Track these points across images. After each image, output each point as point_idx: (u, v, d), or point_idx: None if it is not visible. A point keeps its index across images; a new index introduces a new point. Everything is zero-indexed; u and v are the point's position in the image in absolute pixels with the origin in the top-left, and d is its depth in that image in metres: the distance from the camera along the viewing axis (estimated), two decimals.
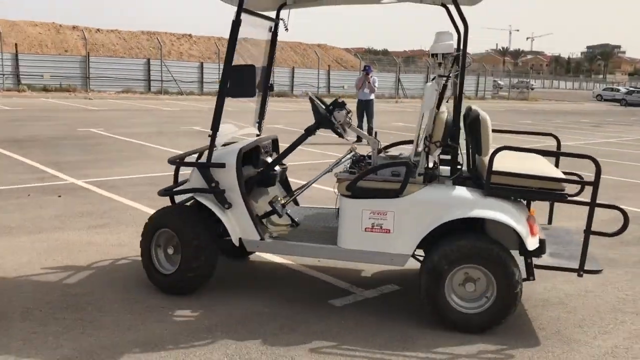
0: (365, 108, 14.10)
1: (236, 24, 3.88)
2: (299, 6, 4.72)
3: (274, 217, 4.45)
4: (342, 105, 4.17)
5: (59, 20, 35.19)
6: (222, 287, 4.39)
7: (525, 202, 4.02)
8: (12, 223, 5.92)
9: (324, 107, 4.20)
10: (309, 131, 4.22)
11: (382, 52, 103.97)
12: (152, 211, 4.99)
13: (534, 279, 4.00)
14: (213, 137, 4.04)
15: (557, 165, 4.28)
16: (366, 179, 3.88)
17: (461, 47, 3.80)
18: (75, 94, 26.77)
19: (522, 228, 3.61)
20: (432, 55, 3.86)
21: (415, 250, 3.85)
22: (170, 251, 4.22)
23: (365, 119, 14.08)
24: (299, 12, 4.94)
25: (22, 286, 4.31)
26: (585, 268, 3.67)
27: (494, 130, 4.00)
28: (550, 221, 4.59)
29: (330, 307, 4.14)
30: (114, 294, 4.22)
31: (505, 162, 3.72)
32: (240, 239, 4.10)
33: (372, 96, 14.18)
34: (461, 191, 3.76)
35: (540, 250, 3.74)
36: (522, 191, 3.70)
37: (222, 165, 4.07)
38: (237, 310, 4.01)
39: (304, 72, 37.35)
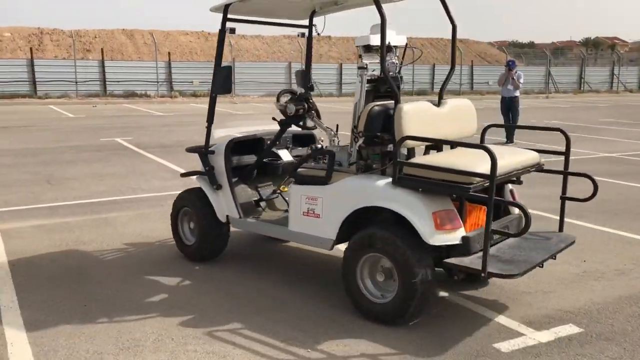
0: (509, 105, 13.02)
1: (221, 33, 4.55)
2: (327, 12, 5.11)
3: (278, 203, 5.01)
4: (297, 100, 4.54)
5: (207, 28, 36.74)
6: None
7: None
8: (153, 233, 5.84)
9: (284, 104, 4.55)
10: (283, 125, 4.70)
11: (527, 44, 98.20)
12: None
13: (459, 278, 3.83)
14: (208, 128, 4.79)
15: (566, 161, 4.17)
16: (304, 166, 4.26)
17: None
18: (221, 98, 27.89)
19: (419, 220, 3.55)
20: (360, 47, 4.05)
21: (337, 236, 3.97)
22: (192, 225, 5.03)
23: (510, 117, 12.98)
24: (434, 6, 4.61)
25: (157, 308, 4.08)
26: (504, 272, 3.45)
27: (496, 125, 4.56)
28: (560, 228, 4.28)
29: (497, 354, 3.42)
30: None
31: (439, 156, 3.94)
32: (227, 216, 4.74)
33: (517, 93, 13.02)
34: (376, 181, 3.80)
35: (463, 249, 3.57)
36: (426, 183, 3.60)
37: (212, 152, 4.78)
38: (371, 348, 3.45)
39: (446, 69, 35.97)
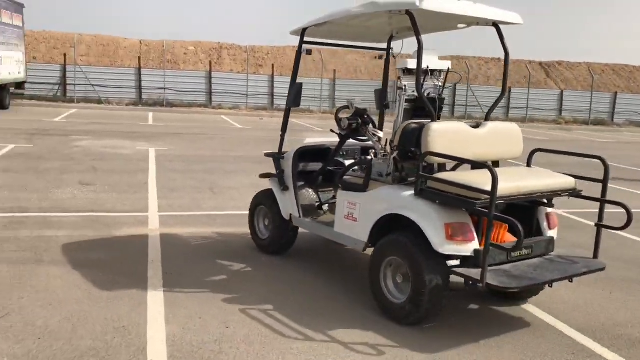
0: None
1: (298, 54, 5.19)
2: (404, 37, 5.38)
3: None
4: (353, 115, 4.88)
5: (373, 47, 36.73)
6: None
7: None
8: (306, 245, 5.65)
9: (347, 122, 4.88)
10: (342, 137, 5.08)
11: None
12: None
13: (474, 285, 3.78)
14: (282, 137, 5.46)
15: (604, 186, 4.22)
16: (349, 174, 4.76)
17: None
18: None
19: (431, 229, 3.85)
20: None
21: (369, 239, 4.35)
22: (266, 222, 5.65)
23: None
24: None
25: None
26: (501, 285, 3.68)
27: (541, 150, 4.61)
28: (595, 255, 4.37)
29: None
30: None
31: (460, 173, 4.20)
32: (290, 214, 5.25)
33: None
34: (402, 192, 4.15)
35: (476, 261, 3.80)
36: (442, 196, 3.87)
37: (282, 157, 5.36)
38: None
39: (629, 98, 32.83)
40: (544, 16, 73.50)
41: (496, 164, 4.40)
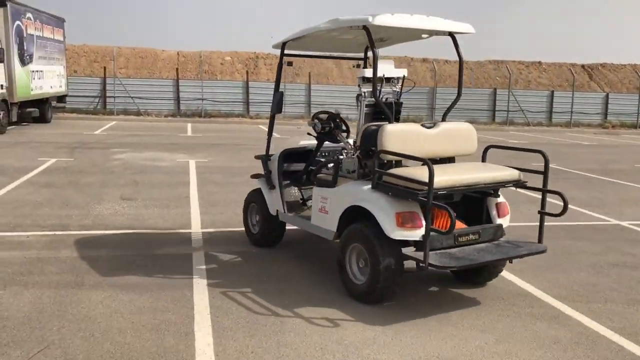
0: None
1: (280, 65, 5.63)
2: (379, 47, 5.48)
3: None
4: (327, 119, 5.35)
5: (410, 54, 36.63)
6: None
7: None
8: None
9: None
10: (319, 140, 5.51)
11: None
12: None
13: (420, 269, 4.30)
14: (268, 140, 6.05)
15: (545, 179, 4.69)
16: (323, 172, 5.23)
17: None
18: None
19: (383, 218, 4.34)
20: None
21: (337, 229, 4.83)
22: (257, 218, 6.13)
23: None
24: None
25: None
26: (441, 264, 4.18)
27: (494, 146, 5.14)
28: (540, 240, 4.80)
29: None
30: None
31: (410, 168, 4.58)
32: (277, 210, 5.71)
33: None
34: (362, 186, 4.66)
35: (423, 245, 4.21)
36: (393, 188, 4.39)
37: (268, 158, 5.86)
38: None
39: None
40: (585, 17, 71.73)
41: (452, 159, 5.01)
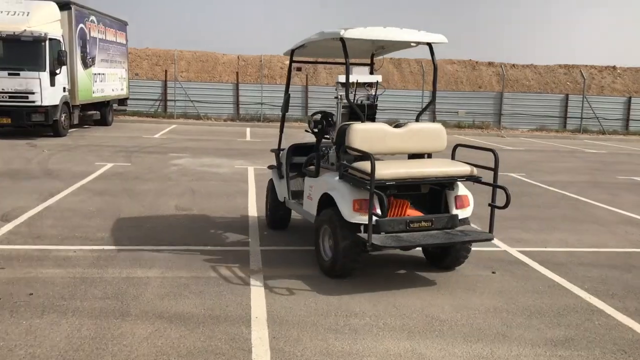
0: None
1: (289, 71, 6.44)
2: (382, 54, 6.60)
3: None
4: (321, 118, 6.00)
5: (475, 57, 35.32)
6: None
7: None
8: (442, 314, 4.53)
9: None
10: (316, 136, 6.04)
11: None
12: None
13: (367, 250, 4.95)
14: (280, 136, 7.00)
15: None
16: (315, 165, 5.78)
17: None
18: (487, 131, 26.05)
19: (342, 204, 4.93)
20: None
21: (317, 213, 5.46)
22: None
23: None
24: None
25: None
26: (383, 244, 4.74)
27: (462, 145, 5.60)
28: (490, 230, 5.21)
29: None
30: None
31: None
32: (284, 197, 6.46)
33: None
34: (334, 177, 5.24)
35: (377, 229, 4.84)
36: (352, 179, 4.97)
37: (279, 152, 6.73)
38: None
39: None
40: None
41: (422, 155, 5.56)
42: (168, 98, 25.54)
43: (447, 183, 5.20)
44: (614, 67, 36.68)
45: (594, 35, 65.61)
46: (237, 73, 27.50)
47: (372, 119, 5.75)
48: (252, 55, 32.12)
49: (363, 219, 4.79)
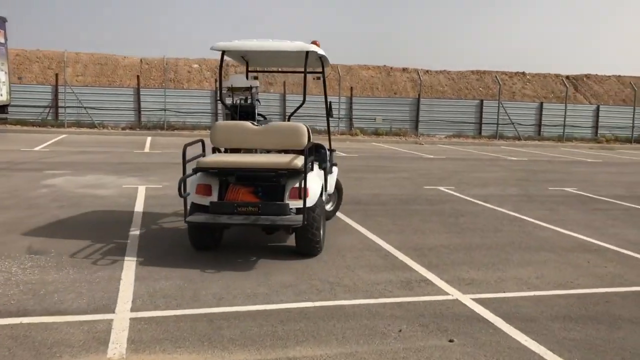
0: None
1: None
2: (315, 66, 7.45)
3: None
4: None
5: (389, 63, 34.76)
6: None
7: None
8: None
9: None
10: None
11: None
12: None
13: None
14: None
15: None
16: None
17: None
18: (405, 138, 25.23)
19: (190, 188, 5.78)
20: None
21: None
22: None
23: None
24: None
25: None
26: (194, 220, 5.61)
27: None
28: (304, 219, 5.61)
29: None
30: None
31: (222, 155, 6.31)
32: None
33: None
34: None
35: (209, 209, 5.68)
36: (199, 169, 5.85)
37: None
38: None
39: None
40: (566, 27, 71.05)
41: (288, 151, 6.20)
42: (59, 105, 22.87)
43: (287, 174, 5.67)
44: (524, 73, 37.25)
45: (503, 42, 67.61)
46: (137, 77, 25.17)
47: (249, 117, 6.58)
48: (156, 58, 29.82)
49: (202, 200, 5.70)
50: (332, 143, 7.52)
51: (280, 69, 8.00)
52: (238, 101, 6.80)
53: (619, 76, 38.41)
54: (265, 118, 7.28)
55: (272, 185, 5.79)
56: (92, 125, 22.36)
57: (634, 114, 28.58)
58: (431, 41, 63.74)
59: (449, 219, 8.30)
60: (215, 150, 6.46)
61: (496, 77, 31.12)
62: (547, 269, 5.94)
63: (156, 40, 58.08)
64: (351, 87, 28.22)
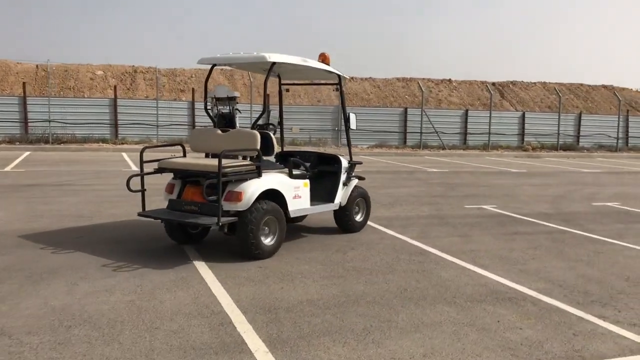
0: None
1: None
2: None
3: None
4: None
5: (351, 73, 33.27)
6: None
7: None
8: None
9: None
10: None
11: None
12: None
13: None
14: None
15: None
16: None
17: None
18: (325, 148, 23.56)
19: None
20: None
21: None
22: None
23: None
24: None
25: None
26: (144, 215, 6.37)
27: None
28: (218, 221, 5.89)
29: None
30: None
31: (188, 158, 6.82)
32: None
33: None
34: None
35: (168, 205, 6.44)
36: (165, 169, 6.49)
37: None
38: None
39: (591, 119, 29.95)
40: (491, 34, 71.86)
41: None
42: None
43: (203, 175, 6.05)
44: (450, 80, 36.48)
45: (429, 49, 67.63)
46: (24, 84, 22.43)
47: (229, 125, 7.05)
48: (54, 64, 27.06)
49: (168, 197, 6.42)
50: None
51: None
52: (218, 110, 7.20)
53: (545, 82, 38.31)
54: (275, 127, 7.41)
55: (214, 187, 5.92)
56: None
57: (559, 121, 28.02)
58: (358, 48, 62.87)
59: (333, 255, 6.53)
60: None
61: (419, 83, 29.99)
62: (439, 339, 4.21)
63: (55, 45, 54.22)
64: (266, 96, 26.34)
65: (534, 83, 37.88)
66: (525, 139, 27.92)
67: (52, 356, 3.73)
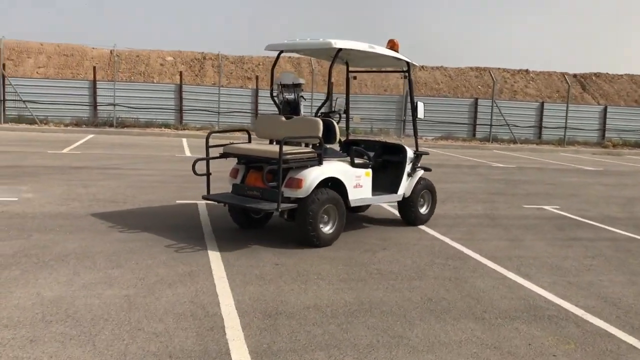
0: None
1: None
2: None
3: None
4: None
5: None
6: None
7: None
8: None
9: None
10: None
11: None
12: None
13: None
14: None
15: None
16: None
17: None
18: (386, 139, 22.85)
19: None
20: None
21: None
22: None
23: None
24: None
25: None
26: (210, 199, 6.48)
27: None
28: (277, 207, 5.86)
29: None
30: None
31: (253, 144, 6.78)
32: None
33: None
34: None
35: (233, 190, 6.51)
36: (236, 155, 6.60)
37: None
38: None
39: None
40: (575, 24, 68.06)
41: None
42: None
43: (289, 163, 5.96)
44: (527, 71, 34.65)
45: (506, 39, 64.81)
46: (94, 68, 23.00)
47: (294, 112, 6.94)
48: (126, 50, 27.72)
49: (233, 181, 6.50)
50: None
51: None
52: (284, 97, 7.07)
53: (632, 75, 35.74)
54: (339, 114, 7.41)
55: (275, 173, 5.88)
56: (32, 121, 20.21)
57: None
58: (429, 36, 61.07)
59: (361, 254, 5.99)
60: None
61: (490, 73, 28.56)
62: None
63: (129, 31, 55.46)
64: (331, 83, 25.84)
65: (620, 75, 35.39)
66: (607, 135, 26.05)
67: (18, 355, 3.44)
